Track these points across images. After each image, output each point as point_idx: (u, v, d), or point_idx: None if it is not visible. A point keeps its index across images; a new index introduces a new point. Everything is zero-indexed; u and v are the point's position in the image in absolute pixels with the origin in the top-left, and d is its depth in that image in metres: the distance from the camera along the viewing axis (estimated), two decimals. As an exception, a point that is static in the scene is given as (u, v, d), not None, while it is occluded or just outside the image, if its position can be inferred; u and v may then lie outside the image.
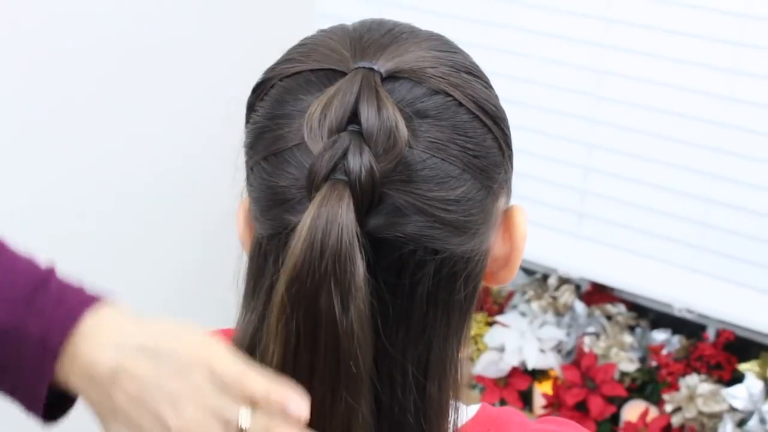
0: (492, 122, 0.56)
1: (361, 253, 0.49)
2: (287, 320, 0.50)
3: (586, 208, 1.71)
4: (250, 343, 0.54)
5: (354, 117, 0.51)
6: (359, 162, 0.50)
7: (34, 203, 1.44)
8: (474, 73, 0.57)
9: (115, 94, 1.52)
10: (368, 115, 0.51)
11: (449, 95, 0.54)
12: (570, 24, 1.61)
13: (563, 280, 1.77)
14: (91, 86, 1.46)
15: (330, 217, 0.49)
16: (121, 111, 1.53)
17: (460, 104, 0.54)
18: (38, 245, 1.41)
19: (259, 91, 0.57)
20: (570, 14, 1.61)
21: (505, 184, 0.58)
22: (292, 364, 0.50)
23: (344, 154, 0.50)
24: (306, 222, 0.49)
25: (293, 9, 1.81)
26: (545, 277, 1.81)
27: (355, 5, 1.80)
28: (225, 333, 0.74)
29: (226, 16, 1.70)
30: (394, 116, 0.51)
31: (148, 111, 1.59)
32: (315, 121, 0.51)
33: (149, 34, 1.54)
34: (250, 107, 0.58)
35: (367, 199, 0.50)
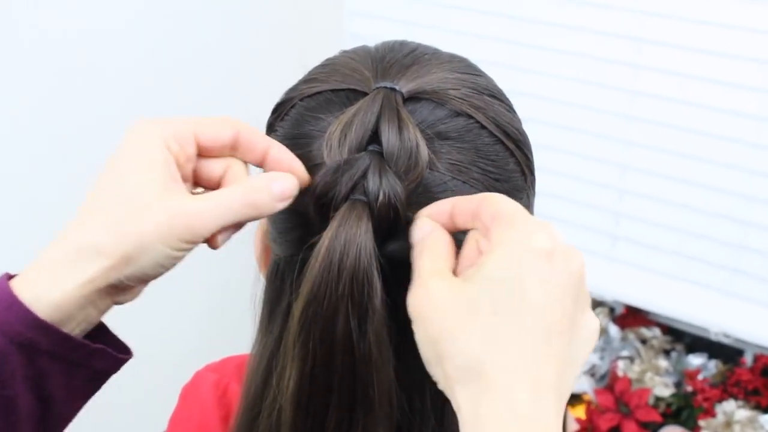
0: (515, 146, 0.54)
1: (379, 275, 0.48)
2: (304, 342, 0.49)
3: (620, 231, 1.69)
4: (266, 368, 0.53)
5: (374, 137, 0.50)
6: (379, 182, 0.49)
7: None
8: (497, 96, 0.56)
9: (141, 108, 1.53)
10: (389, 136, 0.50)
11: (471, 117, 0.53)
12: (603, 44, 1.60)
13: (597, 303, 1.75)
14: (115, 97, 1.47)
15: (348, 238, 0.48)
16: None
17: (483, 127, 0.53)
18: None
19: (280, 111, 0.57)
20: (603, 35, 1.60)
21: (527, 210, 0.57)
22: (308, 387, 0.49)
23: (364, 174, 0.49)
24: (324, 242, 0.48)
25: (321, 23, 1.82)
26: (578, 299, 1.79)
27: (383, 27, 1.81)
28: (239, 360, 0.73)
29: (251, 33, 1.71)
30: (415, 137, 0.50)
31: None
32: (335, 140, 0.50)
33: (173, 48, 1.55)
34: (270, 127, 0.57)
35: (386, 220, 0.49)
